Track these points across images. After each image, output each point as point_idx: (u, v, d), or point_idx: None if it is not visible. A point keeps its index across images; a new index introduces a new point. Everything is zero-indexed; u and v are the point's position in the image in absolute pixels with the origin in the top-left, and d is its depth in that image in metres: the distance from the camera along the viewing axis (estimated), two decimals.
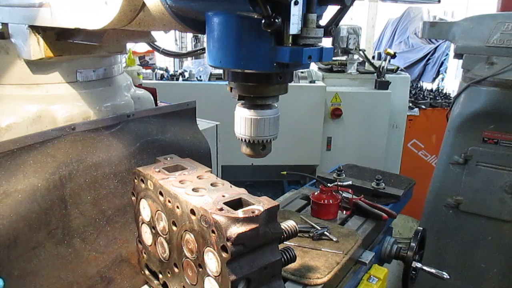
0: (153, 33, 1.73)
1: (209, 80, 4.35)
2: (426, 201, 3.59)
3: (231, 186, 1.29)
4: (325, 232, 1.82)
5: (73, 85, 1.63)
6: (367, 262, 1.81)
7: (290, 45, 1.01)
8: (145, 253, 1.51)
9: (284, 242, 1.35)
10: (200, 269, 1.21)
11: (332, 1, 1.03)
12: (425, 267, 1.99)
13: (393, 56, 4.51)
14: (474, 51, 3.14)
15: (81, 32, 1.43)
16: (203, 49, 3.08)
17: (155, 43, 2.57)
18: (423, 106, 4.96)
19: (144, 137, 1.73)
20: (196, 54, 4.50)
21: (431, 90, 5.76)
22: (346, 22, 4.41)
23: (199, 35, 5.12)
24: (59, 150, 1.45)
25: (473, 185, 3.24)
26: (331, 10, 1.08)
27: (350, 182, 2.27)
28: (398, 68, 4.79)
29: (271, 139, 1.23)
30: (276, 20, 0.94)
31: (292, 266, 1.47)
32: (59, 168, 1.42)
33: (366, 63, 4.69)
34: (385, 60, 4.51)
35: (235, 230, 1.06)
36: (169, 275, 1.39)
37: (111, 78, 1.80)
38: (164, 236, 1.35)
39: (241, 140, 1.23)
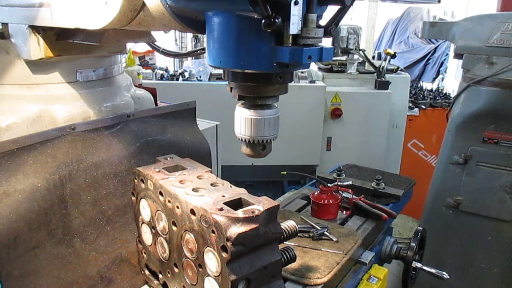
0: (153, 33, 1.73)
1: (209, 80, 4.35)
2: (426, 201, 3.59)
3: (231, 186, 1.29)
4: (325, 232, 1.82)
5: (73, 85, 1.63)
6: (367, 262, 1.81)
7: (290, 45, 1.01)
8: (145, 253, 1.51)
9: (284, 242, 1.35)
10: (200, 269, 1.21)
11: (332, 1, 1.03)
12: (425, 267, 1.99)
13: (393, 56, 4.51)
14: (474, 51, 3.14)
15: (81, 32, 1.43)
16: (203, 49, 3.08)
17: (155, 43, 2.57)
18: (423, 106, 4.96)
19: (144, 137, 1.73)
20: (196, 54, 4.50)
21: (431, 90, 5.76)
22: (346, 22, 4.41)
23: (199, 35, 5.12)
24: (59, 150, 1.45)
25: (473, 185, 3.24)
26: (331, 10, 1.08)
27: (350, 182, 2.27)
28: (398, 68, 4.79)
29: (271, 139, 1.23)
30: (276, 20, 0.94)
31: (292, 266, 1.47)
32: (59, 168, 1.42)
33: (366, 63, 4.69)
34: (385, 60, 4.51)
35: (235, 230, 1.06)
36: (169, 275, 1.39)
37: (111, 78, 1.80)
38: (164, 236, 1.35)
39: (241, 140, 1.23)
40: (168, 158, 1.50)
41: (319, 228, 1.84)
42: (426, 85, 8.36)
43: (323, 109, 4.22)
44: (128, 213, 1.60)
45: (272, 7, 0.93)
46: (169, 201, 1.27)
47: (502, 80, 2.99)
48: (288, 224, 1.33)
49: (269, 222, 1.14)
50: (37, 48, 1.47)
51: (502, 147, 3.12)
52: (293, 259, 1.32)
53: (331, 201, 2.04)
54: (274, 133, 1.23)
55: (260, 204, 1.14)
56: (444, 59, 9.81)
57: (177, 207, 1.23)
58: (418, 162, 5.03)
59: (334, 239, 1.79)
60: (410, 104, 4.92)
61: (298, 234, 1.40)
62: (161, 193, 1.31)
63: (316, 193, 2.09)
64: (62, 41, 1.51)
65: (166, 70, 4.52)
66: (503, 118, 3.07)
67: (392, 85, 4.42)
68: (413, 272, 2.03)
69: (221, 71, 1.32)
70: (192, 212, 1.17)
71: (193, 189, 1.24)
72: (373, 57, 5.28)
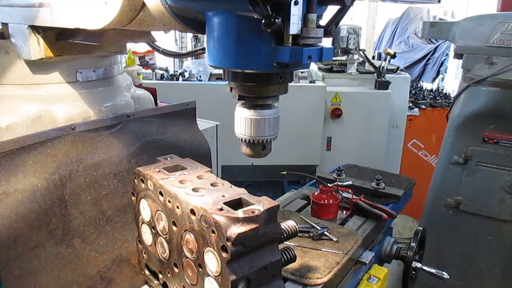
0: (153, 33, 1.73)
1: (209, 80, 4.36)
2: (426, 201, 3.59)
3: (231, 186, 1.29)
4: (325, 232, 1.82)
5: (73, 85, 1.63)
6: (367, 262, 1.81)
7: (290, 45, 1.01)
8: (145, 253, 1.51)
9: (284, 242, 1.36)
10: (200, 269, 1.21)
11: (332, 1, 1.03)
12: (425, 267, 1.99)
13: (393, 56, 4.51)
14: (474, 51, 3.14)
15: (81, 32, 1.43)
16: (203, 49, 3.08)
17: (155, 43, 2.57)
18: (423, 106, 4.96)
19: (144, 137, 1.73)
20: (196, 54, 4.50)
21: (431, 90, 5.76)
22: (346, 22, 4.42)
23: (199, 35, 5.12)
24: (59, 150, 1.45)
25: (473, 185, 3.24)
26: (331, 10, 1.08)
27: (350, 182, 2.27)
28: (398, 68, 4.80)
29: (271, 139, 1.23)
30: (276, 20, 0.94)
31: (292, 266, 1.47)
32: (59, 168, 1.42)
33: (366, 63, 4.69)
34: (385, 60, 4.51)
35: (235, 230, 1.06)
36: (169, 275, 1.39)
37: (111, 78, 1.80)
38: (164, 236, 1.35)
39: (241, 140, 1.23)
40: (168, 158, 1.50)
41: (319, 228, 1.84)
42: (426, 85, 8.37)
43: (323, 109, 4.22)
44: (128, 213, 1.60)
45: (272, 7, 0.93)
46: (169, 201, 1.27)
47: (502, 80, 2.99)
48: (288, 224, 1.33)
49: (269, 222, 1.14)
50: (37, 48, 1.47)
51: (502, 147, 3.13)
52: (293, 259, 1.33)
53: (331, 201, 2.04)
54: (274, 133, 1.23)
55: (260, 204, 1.14)
56: (444, 59, 9.82)
57: (177, 207, 1.23)
58: (418, 162, 5.04)
59: (334, 239, 1.79)
60: (410, 104, 4.92)
61: (298, 234, 1.40)
62: (161, 193, 1.31)
63: (316, 193, 2.09)
64: (62, 41, 1.51)
65: (166, 70, 4.52)
66: (503, 118, 3.07)
67: (392, 85, 4.42)
68: (413, 272, 2.03)
69: (221, 71, 1.32)
70: (192, 212, 1.17)
71: (193, 189, 1.24)
72: (373, 57, 5.29)
